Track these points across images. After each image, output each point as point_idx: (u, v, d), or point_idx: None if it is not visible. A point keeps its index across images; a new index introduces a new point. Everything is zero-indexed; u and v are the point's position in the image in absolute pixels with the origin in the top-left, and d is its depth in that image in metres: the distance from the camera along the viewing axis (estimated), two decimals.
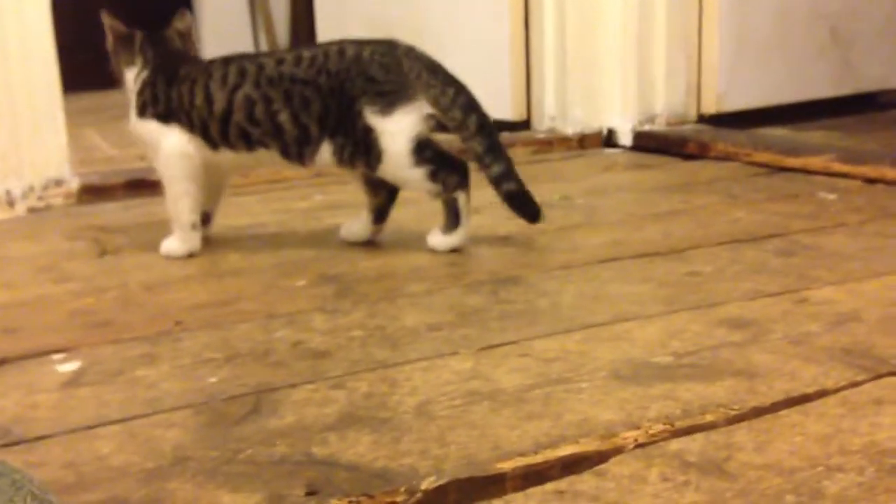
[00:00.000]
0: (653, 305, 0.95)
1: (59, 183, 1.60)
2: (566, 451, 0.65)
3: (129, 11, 1.32)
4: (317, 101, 1.14)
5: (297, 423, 0.71)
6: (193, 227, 1.22)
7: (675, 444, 0.65)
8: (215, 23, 3.40)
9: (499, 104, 2.05)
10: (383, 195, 1.23)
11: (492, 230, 1.29)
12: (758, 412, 0.70)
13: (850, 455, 0.63)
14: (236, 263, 1.19)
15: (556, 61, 2.01)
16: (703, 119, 2.02)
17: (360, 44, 1.17)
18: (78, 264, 1.22)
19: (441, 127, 1.18)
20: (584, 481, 0.62)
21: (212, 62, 1.20)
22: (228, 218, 1.35)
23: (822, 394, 0.72)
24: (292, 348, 0.88)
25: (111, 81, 1.26)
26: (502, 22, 2.04)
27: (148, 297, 1.06)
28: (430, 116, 1.16)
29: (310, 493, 0.61)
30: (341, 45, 1.17)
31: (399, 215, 1.26)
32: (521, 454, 0.64)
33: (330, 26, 2.55)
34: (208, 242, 1.25)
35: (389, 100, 1.13)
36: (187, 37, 1.26)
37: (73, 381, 0.82)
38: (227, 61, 1.20)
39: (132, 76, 1.22)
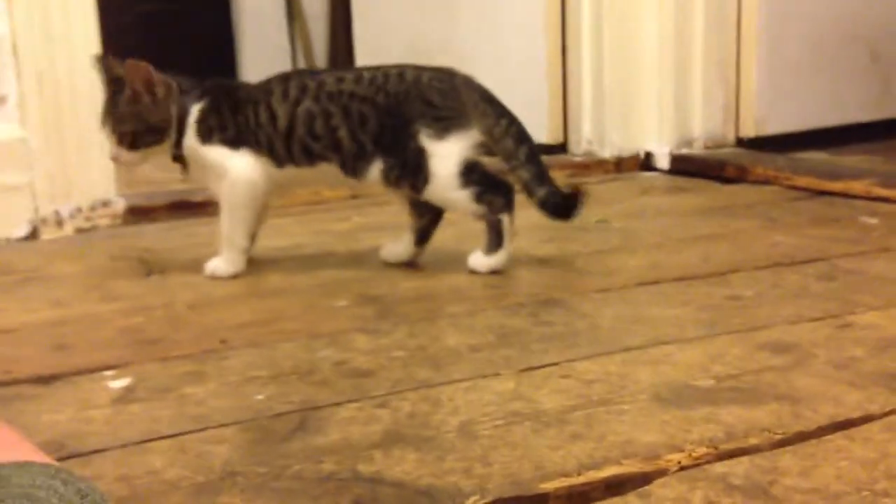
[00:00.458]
0: (693, 329, 0.95)
1: (105, 204, 1.64)
2: (609, 472, 0.65)
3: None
4: (373, 118, 1.17)
5: (342, 440, 0.72)
6: (243, 250, 1.24)
7: (719, 468, 0.66)
8: (254, 47, 3.45)
9: (535, 127, 2.04)
10: (428, 217, 1.24)
11: (530, 252, 1.29)
12: (802, 437, 0.70)
13: None
14: (278, 284, 1.21)
15: (593, 84, 2.02)
16: (741, 143, 2.02)
17: (420, 69, 1.20)
18: (125, 283, 1.24)
19: (487, 151, 1.20)
20: (629, 503, 0.62)
21: (269, 81, 1.23)
22: (268, 239, 1.38)
23: (867, 419, 0.72)
24: (335, 367, 0.89)
25: None
26: (539, 45, 2.06)
27: (194, 316, 1.08)
28: (481, 143, 1.18)
29: None
30: (401, 69, 1.20)
31: (438, 236, 1.28)
32: (565, 475, 0.65)
33: (368, 50, 2.59)
34: (250, 263, 1.27)
35: (444, 125, 1.16)
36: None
37: (124, 397, 0.84)
38: (285, 78, 1.22)
39: (177, 107, 1.20)
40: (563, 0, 2.04)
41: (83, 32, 1.60)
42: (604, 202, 1.66)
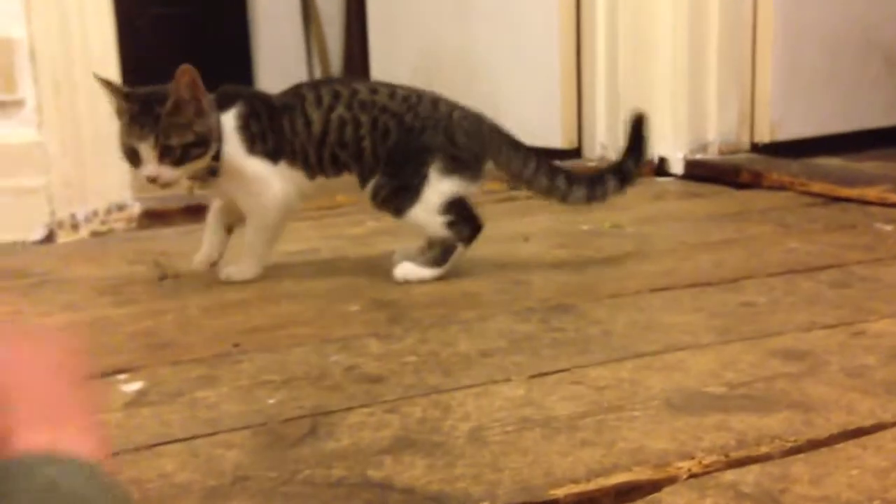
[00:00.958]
0: (705, 335, 0.95)
1: (121, 208, 1.65)
2: (619, 479, 0.65)
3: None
4: (395, 134, 1.18)
5: (352, 445, 0.73)
6: (263, 258, 1.25)
7: (729, 475, 0.65)
8: (270, 51, 3.47)
9: (550, 132, 2.07)
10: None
11: (541, 258, 1.29)
12: (814, 444, 0.69)
13: None
14: (290, 288, 1.21)
15: (607, 89, 2.02)
16: (756, 148, 2.01)
17: (454, 104, 1.22)
18: (139, 287, 1.25)
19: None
20: None
21: (299, 87, 1.22)
22: (283, 243, 1.38)
23: (879, 427, 0.72)
24: (347, 372, 0.89)
25: None
26: (554, 51, 2.06)
27: (206, 320, 1.09)
28: (476, 188, 1.21)
29: None
30: (437, 98, 1.22)
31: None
32: (574, 481, 0.65)
33: (384, 58, 2.59)
34: (263, 267, 1.28)
35: (457, 165, 1.18)
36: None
37: (137, 400, 0.85)
38: (316, 85, 1.23)
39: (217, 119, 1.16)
40: (578, 5, 2.04)
41: (100, 37, 1.61)
42: (617, 207, 1.65)
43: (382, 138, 1.18)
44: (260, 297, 1.19)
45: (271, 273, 1.27)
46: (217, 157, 1.16)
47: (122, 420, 0.80)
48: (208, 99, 1.15)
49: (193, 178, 1.19)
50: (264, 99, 1.21)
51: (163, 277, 1.30)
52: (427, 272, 1.21)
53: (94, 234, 1.61)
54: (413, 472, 0.68)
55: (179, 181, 1.15)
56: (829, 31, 2.05)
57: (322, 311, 1.10)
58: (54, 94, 1.56)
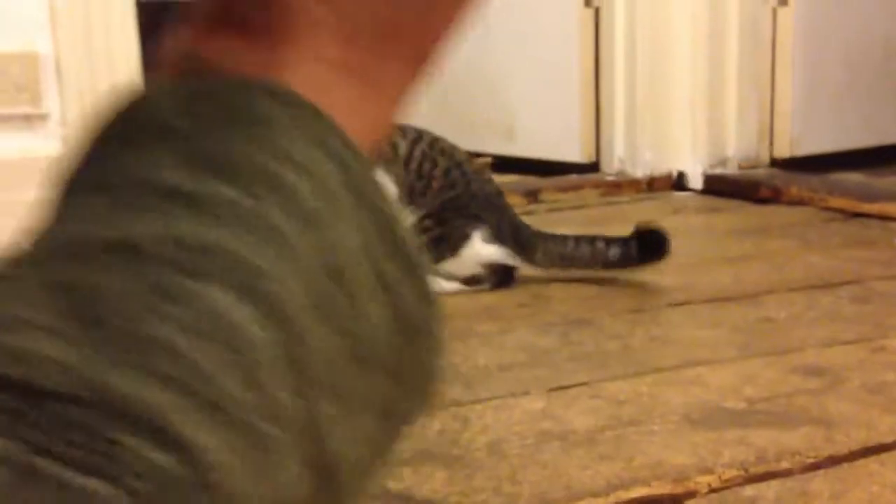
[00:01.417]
0: (725, 350, 0.95)
1: None
2: (639, 493, 0.65)
3: None
4: (459, 191, 1.22)
5: None
6: None
7: (749, 490, 0.65)
8: None
9: (568, 146, 2.07)
10: None
11: (561, 272, 1.30)
12: (834, 460, 0.69)
13: None
14: None
15: (625, 104, 2.02)
16: (775, 163, 2.00)
17: (502, 191, 1.29)
18: None
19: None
20: None
21: None
22: None
23: None
24: None
25: None
26: (572, 65, 2.07)
27: None
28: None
29: None
30: (491, 178, 1.30)
31: None
32: (594, 495, 0.65)
33: None
34: None
35: (502, 241, 1.22)
36: None
37: None
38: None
39: None
40: (597, 20, 2.05)
41: (125, 51, 1.64)
42: (636, 222, 1.66)
43: (447, 188, 1.22)
44: None
45: None
46: None
47: None
48: None
49: None
50: None
51: None
52: (448, 284, 1.22)
53: None
54: (432, 484, 0.68)
55: None
56: (849, 46, 2.05)
57: None
58: (79, 107, 1.59)
